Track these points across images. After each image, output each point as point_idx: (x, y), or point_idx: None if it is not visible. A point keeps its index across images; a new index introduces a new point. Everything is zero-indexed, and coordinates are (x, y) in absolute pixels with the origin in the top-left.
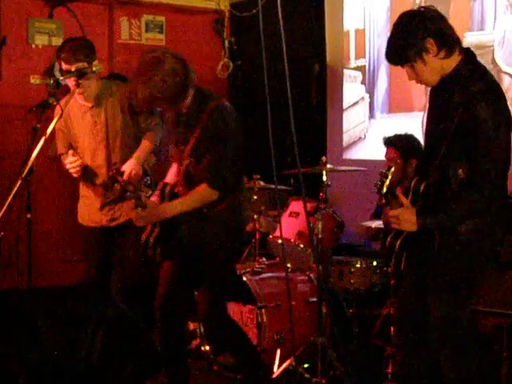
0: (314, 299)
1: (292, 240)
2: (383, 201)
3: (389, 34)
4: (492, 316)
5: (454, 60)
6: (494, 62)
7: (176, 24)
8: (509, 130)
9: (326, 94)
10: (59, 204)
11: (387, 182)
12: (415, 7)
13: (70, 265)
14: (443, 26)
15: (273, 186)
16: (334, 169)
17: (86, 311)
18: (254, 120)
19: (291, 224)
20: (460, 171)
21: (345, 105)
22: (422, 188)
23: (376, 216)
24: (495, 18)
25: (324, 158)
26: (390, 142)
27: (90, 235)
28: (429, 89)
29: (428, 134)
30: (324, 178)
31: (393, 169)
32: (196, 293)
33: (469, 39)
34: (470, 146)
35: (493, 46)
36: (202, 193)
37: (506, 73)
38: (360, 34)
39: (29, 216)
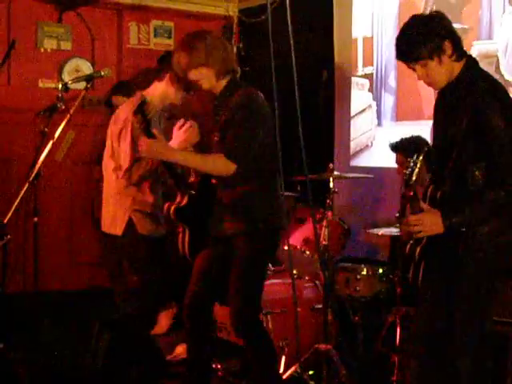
0: (320, 306)
1: (298, 247)
2: (411, 193)
3: (402, 32)
4: (497, 325)
5: (461, 65)
6: (498, 71)
7: (185, 29)
8: None
9: (333, 101)
10: (66, 208)
11: (417, 169)
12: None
13: (76, 269)
14: (456, 31)
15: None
16: (341, 176)
17: (91, 315)
18: None
19: (297, 230)
20: (477, 173)
21: (352, 112)
22: (438, 196)
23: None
24: (502, 24)
25: (331, 165)
26: (396, 147)
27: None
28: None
29: (437, 141)
30: (331, 185)
31: (421, 157)
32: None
33: (477, 48)
34: (482, 145)
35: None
36: (216, 159)
37: (508, 81)
38: (368, 41)
39: (36, 220)
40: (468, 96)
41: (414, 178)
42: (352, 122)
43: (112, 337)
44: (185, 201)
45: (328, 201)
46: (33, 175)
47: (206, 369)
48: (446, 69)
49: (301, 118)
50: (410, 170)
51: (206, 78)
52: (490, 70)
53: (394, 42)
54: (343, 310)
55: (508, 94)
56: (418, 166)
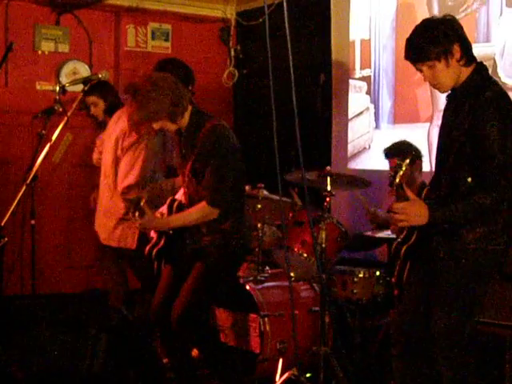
0: (317, 308)
1: (295, 249)
2: (394, 194)
3: (413, 33)
4: (495, 327)
5: (469, 70)
6: (495, 73)
7: (182, 32)
8: None
9: (331, 103)
10: (63, 210)
11: (401, 172)
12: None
13: (73, 271)
14: (467, 37)
15: (277, 197)
16: (339, 174)
17: (88, 318)
18: (259, 129)
19: (295, 233)
20: (469, 180)
21: (350, 115)
22: (433, 197)
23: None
24: (499, 26)
25: (328, 168)
26: (391, 152)
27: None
28: (436, 99)
29: (439, 144)
30: (328, 188)
31: (407, 160)
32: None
33: (475, 51)
34: (477, 153)
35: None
36: (202, 210)
37: (504, 84)
38: (366, 44)
39: (33, 222)
40: (472, 103)
41: (397, 181)
42: (349, 124)
43: (109, 340)
44: (162, 241)
45: (325, 203)
46: (30, 177)
47: (192, 370)
48: (453, 72)
49: (298, 121)
50: (393, 174)
51: (166, 126)
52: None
53: (391, 44)
54: (340, 313)
55: None
56: (403, 168)
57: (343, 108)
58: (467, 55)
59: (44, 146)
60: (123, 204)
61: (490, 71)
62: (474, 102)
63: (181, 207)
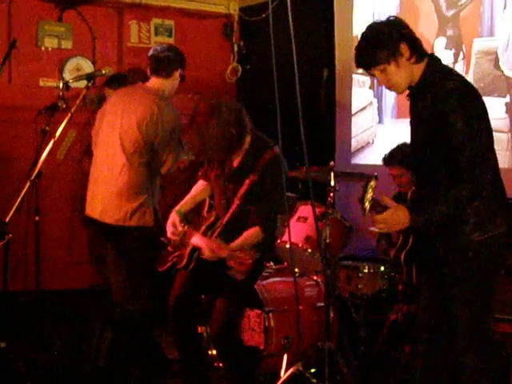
0: (322, 304)
1: (300, 245)
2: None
3: (359, 41)
4: (500, 322)
5: (422, 66)
6: (497, 67)
7: (185, 28)
8: (483, 121)
9: (334, 98)
10: (67, 207)
11: (368, 195)
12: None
13: (77, 267)
14: (413, 34)
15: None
16: (342, 173)
17: (93, 314)
18: (263, 124)
19: (299, 229)
20: (443, 172)
21: (353, 110)
22: (415, 196)
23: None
24: (503, 19)
25: (332, 163)
26: (390, 160)
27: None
28: None
29: (412, 144)
30: (332, 183)
31: (372, 183)
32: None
33: (478, 45)
34: (446, 144)
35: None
36: (256, 236)
37: (508, 77)
38: None
39: (37, 218)
40: (433, 96)
41: (366, 205)
42: (353, 119)
43: (114, 335)
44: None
45: (329, 199)
46: (34, 174)
47: (200, 365)
48: (404, 71)
49: (302, 116)
50: (362, 196)
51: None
52: (491, 67)
53: None
54: (345, 308)
55: (476, 93)
56: (370, 191)
57: (347, 103)
58: (417, 52)
59: (48, 143)
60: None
61: (492, 64)
62: (436, 95)
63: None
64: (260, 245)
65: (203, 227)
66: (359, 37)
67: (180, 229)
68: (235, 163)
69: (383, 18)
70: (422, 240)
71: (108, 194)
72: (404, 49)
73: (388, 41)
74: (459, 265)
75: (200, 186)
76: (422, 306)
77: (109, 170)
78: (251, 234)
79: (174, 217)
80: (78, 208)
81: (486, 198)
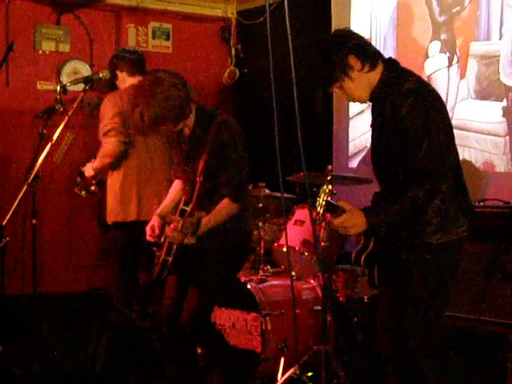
0: (319, 307)
1: (297, 248)
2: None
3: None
4: (497, 326)
5: (378, 72)
6: (495, 70)
7: (183, 31)
8: (440, 120)
9: (332, 102)
10: (64, 210)
11: (320, 200)
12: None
13: (74, 271)
14: (361, 42)
15: (278, 194)
16: (339, 177)
17: (90, 317)
18: (260, 127)
19: (296, 232)
20: (401, 175)
21: (351, 113)
22: (378, 199)
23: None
24: (501, 28)
25: (330, 167)
26: None
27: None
28: None
29: (373, 147)
30: (330, 187)
31: (325, 187)
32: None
33: (475, 49)
34: (404, 144)
35: (499, 55)
36: (228, 207)
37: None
38: None
39: (34, 222)
40: (392, 99)
41: (319, 209)
42: (350, 123)
43: (111, 339)
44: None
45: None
46: (31, 177)
47: (196, 368)
48: (360, 83)
49: (299, 120)
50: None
51: (170, 128)
52: (489, 71)
53: (391, 42)
54: (342, 312)
55: (433, 92)
56: (322, 196)
57: (344, 106)
58: (368, 60)
59: (45, 146)
60: None
61: (489, 68)
62: (393, 98)
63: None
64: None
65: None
66: None
67: (157, 232)
68: (185, 136)
69: (380, 21)
70: (383, 242)
71: None
72: (353, 61)
73: (336, 58)
74: (416, 266)
75: (177, 186)
76: (381, 309)
77: None
78: (221, 206)
79: (154, 220)
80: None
81: (446, 198)
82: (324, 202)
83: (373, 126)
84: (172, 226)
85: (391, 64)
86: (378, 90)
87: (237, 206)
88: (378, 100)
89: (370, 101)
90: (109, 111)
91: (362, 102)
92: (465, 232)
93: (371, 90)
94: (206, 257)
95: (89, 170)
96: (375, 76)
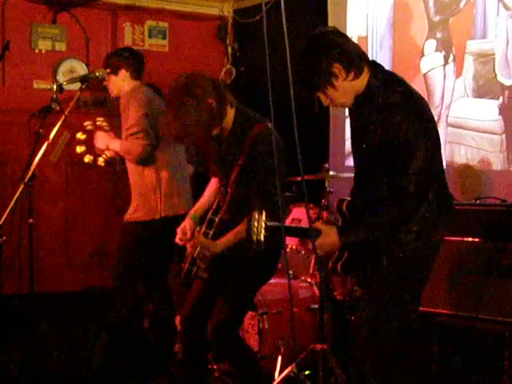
0: (316, 306)
1: (294, 246)
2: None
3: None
4: (493, 324)
5: (364, 78)
6: (491, 69)
7: (179, 30)
8: (429, 138)
9: None
10: (61, 209)
11: (255, 228)
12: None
13: (71, 270)
14: (347, 47)
15: None
16: (336, 176)
17: (88, 316)
18: None
19: None
20: (384, 188)
21: (347, 112)
22: (345, 209)
23: None
24: (496, 26)
25: (326, 165)
26: None
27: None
28: (433, 96)
29: (354, 155)
30: (326, 185)
31: (256, 215)
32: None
33: (471, 47)
34: (390, 161)
35: (494, 54)
36: None
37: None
38: (363, 41)
39: (31, 221)
40: (378, 111)
41: (254, 238)
42: (347, 121)
43: (108, 338)
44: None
45: (323, 201)
46: (28, 176)
47: (203, 370)
48: (345, 90)
49: (296, 118)
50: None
51: (209, 135)
52: (485, 69)
53: (388, 41)
54: (339, 310)
55: (420, 102)
56: (259, 223)
57: None
58: (353, 68)
59: (41, 145)
60: None
61: (485, 66)
62: (381, 109)
63: (222, 221)
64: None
65: (204, 226)
66: (353, 39)
67: (189, 235)
68: (223, 139)
69: (377, 20)
70: (358, 250)
71: None
72: (337, 70)
73: (319, 68)
74: (386, 266)
75: (213, 185)
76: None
77: None
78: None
79: (186, 222)
80: None
81: (430, 204)
82: (263, 229)
83: (354, 130)
84: (192, 243)
85: (377, 69)
86: (362, 97)
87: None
88: (363, 105)
89: (354, 105)
90: (136, 111)
91: (345, 107)
92: (443, 234)
93: (355, 95)
94: (232, 268)
95: (112, 142)
96: (361, 82)
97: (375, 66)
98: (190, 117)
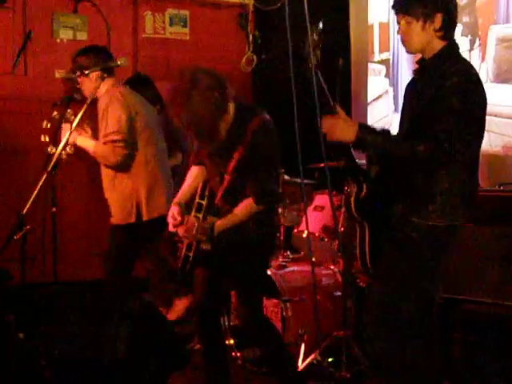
0: (339, 293)
1: (317, 234)
2: None
3: None
4: (496, 308)
5: (442, 44)
6: None
7: (200, 18)
8: (477, 100)
9: (350, 87)
10: (84, 197)
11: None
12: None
13: (95, 258)
14: (455, 12)
15: (298, 180)
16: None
17: (111, 305)
18: (279, 114)
19: (316, 218)
20: (421, 147)
21: (369, 98)
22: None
23: None
24: None
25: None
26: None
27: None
28: None
29: (403, 117)
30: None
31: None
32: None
33: (495, 32)
34: (433, 112)
35: None
36: (250, 208)
37: None
38: (384, 27)
39: (54, 210)
40: (438, 86)
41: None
42: (369, 108)
43: (133, 326)
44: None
45: (346, 188)
46: (51, 165)
47: (224, 359)
48: (424, 37)
49: (318, 106)
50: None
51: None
52: (508, 54)
53: None
54: (363, 297)
55: (480, 86)
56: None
57: (362, 92)
58: (446, 30)
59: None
60: None
61: (509, 51)
62: (439, 87)
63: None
64: (257, 221)
65: (192, 211)
66: (375, 25)
67: (179, 219)
68: (223, 134)
69: None
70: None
71: None
72: (438, 19)
73: (431, 3)
74: (401, 243)
75: (194, 172)
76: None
77: None
78: (242, 206)
79: (173, 209)
80: None
81: (456, 184)
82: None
83: (408, 94)
84: (185, 226)
85: (454, 47)
86: (430, 61)
87: (260, 208)
88: (427, 69)
89: (419, 66)
90: (115, 117)
91: (408, 48)
92: (460, 221)
93: (424, 50)
94: (229, 251)
95: (85, 141)
96: (438, 45)
97: (453, 43)
98: (198, 108)
